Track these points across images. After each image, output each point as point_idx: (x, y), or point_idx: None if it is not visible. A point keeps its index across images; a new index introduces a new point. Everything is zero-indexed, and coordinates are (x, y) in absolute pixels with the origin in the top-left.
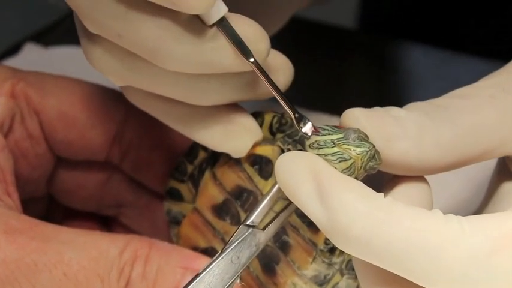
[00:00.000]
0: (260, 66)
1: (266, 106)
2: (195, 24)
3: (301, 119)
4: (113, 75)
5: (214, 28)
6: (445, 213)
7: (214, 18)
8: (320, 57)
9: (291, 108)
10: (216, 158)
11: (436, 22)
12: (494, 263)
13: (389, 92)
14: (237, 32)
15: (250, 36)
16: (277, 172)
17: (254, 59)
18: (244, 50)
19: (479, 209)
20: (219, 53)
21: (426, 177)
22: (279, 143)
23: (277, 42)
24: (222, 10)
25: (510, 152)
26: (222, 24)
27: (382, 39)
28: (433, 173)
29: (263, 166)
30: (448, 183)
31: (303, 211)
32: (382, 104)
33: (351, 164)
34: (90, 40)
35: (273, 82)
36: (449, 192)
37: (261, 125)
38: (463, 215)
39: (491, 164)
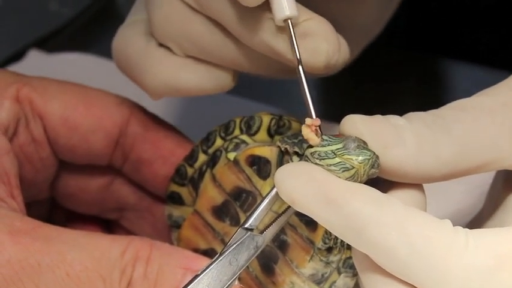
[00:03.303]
0: (303, 70)
1: (263, 109)
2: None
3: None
4: None
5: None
6: (443, 218)
7: (280, 17)
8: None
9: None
10: (215, 161)
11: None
12: (496, 278)
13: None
14: (307, 27)
15: (320, 33)
16: (279, 186)
17: (301, 65)
18: (295, 55)
19: (479, 218)
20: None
21: (426, 184)
22: (278, 142)
23: None
24: (289, 12)
25: (508, 165)
26: (288, 25)
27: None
28: (430, 182)
29: (261, 166)
30: (449, 191)
31: (314, 219)
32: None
33: (354, 173)
34: None
35: (306, 88)
36: (449, 199)
37: (259, 127)
38: (463, 223)
39: (492, 172)
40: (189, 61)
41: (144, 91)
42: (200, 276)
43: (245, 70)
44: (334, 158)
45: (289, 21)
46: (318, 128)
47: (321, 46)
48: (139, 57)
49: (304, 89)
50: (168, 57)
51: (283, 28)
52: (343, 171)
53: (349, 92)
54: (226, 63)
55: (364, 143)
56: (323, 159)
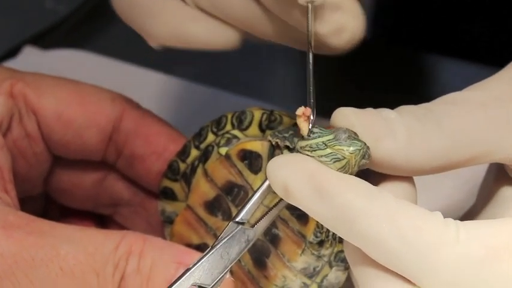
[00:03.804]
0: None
1: (254, 105)
2: None
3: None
4: None
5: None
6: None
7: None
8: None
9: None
10: (207, 156)
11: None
12: (487, 270)
13: (374, 95)
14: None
15: (350, 8)
16: (270, 177)
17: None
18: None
19: (471, 211)
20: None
21: (418, 177)
22: (269, 137)
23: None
24: None
25: (499, 158)
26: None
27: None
28: (420, 175)
29: (253, 161)
30: (440, 186)
31: (304, 211)
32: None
33: (345, 164)
34: None
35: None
36: (441, 192)
37: (250, 122)
38: (455, 217)
39: (484, 166)
40: (200, 14)
41: (144, 36)
42: (191, 270)
43: (255, 32)
44: (325, 149)
45: (309, 5)
46: (308, 117)
47: (349, 23)
48: (149, 3)
49: (309, 75)
50: (180, 7)
51: None
52: (334, 161)
53: (336, 88)
54: (239, 22)
55: (355, 134)
56: (314, 150)
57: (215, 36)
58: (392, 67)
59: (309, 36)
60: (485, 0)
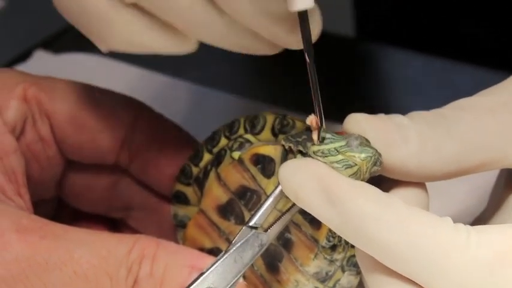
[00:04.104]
0: (313, 67)
1: (266, 109)
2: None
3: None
4: None
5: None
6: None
7: (295, 7)
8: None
9: (319, 108)
10: (220, 160)
11: (434, 30)
12: (497, 275)
13: (391, 100)
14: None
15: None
16: (282, 181)
17: (313, 60)
18: (308, 50)
19: (482, 216)
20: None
21: (430, 183)
22: (282, 141)
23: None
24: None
25: (509, 164)
26: (303, 17)
27: (382, 47)
28: (432, 181)
29: (266, 165)
30: (452, 190)
31: (314, 216)
32: (383, 112)
33: (357, 170)
34: None
35: (317, 86)
36: (453, 198)
37: (263, 127)
38: (466, 223)
39: (495, 171)
40: (155, 23)
41: (93, 40)
42: (205, 274)
43: (212, 42)
44: (337, 155)
45: (306, 12)
46: (318, 126)
47: (318, 16)
48: (101, 12)
49: (315, 85)
50: (134, 18)
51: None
52: (345, 168)
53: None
54: (196, 33)
55: (367, 140)
56: (326, 156)
57: (170, 45)
58: (400, 71)
59: (307, 46)
60: (477, 2)
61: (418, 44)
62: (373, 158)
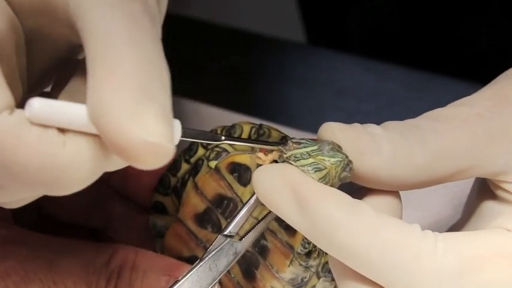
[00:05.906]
0: None
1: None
2: None
3: (285, 143)
4: None
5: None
6: (423, 229)
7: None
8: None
9: (274, 145)
10: (197, 169)
11: (412, 43)
12: (466, 280)
13: (369, 112)
14: None
15: None
16: (255, 186)
17: None
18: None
19: (456, 225)
20: None
21: (406, 194)
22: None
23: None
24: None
25: (481, 173)
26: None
27: (365, 60)
28: (405, 189)
29: (242, 173)
30: (428, 201)
31: (286, 221)
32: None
33: (326, 174)
34: None
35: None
36: (429, 209)
37: (239, 136)
38: (442, 232)
39: (470, 181)
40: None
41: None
42: (180, 282)
43: None
44: (308, 158)
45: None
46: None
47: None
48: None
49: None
50: (43, 134)
51: None
52: (315, 171)
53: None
54: None
55: (339, 147)
56: (298, 160)
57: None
58: (380, 84)
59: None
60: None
61: (398, 56)
62: (342, 162)
